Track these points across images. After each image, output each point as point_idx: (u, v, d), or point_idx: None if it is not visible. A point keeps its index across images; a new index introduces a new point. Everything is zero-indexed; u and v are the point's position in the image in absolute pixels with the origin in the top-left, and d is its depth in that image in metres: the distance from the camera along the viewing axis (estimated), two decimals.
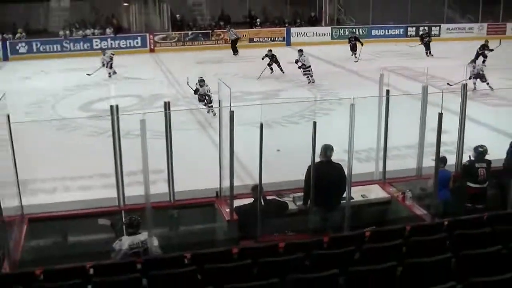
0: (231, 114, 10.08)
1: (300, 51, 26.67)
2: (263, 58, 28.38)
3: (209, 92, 20.26)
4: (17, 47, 37.35)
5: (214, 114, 19.15)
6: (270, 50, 28.60)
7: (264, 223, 10.31)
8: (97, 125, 19.00)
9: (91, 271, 8.03)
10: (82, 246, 11.40)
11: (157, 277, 7.32)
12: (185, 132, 16.38)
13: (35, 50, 37.56)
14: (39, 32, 39.88)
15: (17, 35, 37.83)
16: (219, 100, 11.75)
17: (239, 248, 8.58)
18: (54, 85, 27.64)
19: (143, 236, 9.35)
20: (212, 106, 19.95)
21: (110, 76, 29.28)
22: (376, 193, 12.14)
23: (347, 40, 34.62)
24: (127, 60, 34.06)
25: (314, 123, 10.01)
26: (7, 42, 37.35)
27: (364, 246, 8.02)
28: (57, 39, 38.37)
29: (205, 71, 26.70)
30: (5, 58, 36.76)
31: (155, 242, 9.31)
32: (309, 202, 10.63)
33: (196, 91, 20.69)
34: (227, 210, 10.85)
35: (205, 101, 20.42)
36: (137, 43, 39.13)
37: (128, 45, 38.93)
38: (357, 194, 11.41)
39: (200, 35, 39.68)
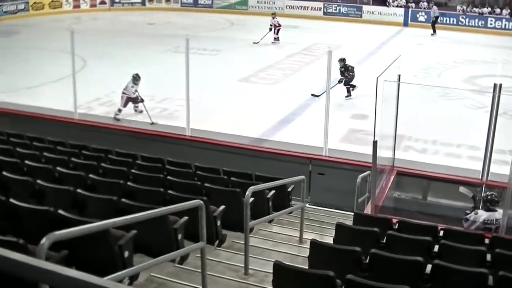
0: None
1: None
2: None
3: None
4: (417, 15, 37.71)
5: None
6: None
7: None
8: (477, 99, 18.48)
9: (441, 232, 7.89)
10: (437, 208, 11.31)
11: (501, 256, 6.94)
12: None
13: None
14: (440, 4, 39.69)
15: (420, 4, 38.15)
16: None
17: None
18: (444, 54, 27.41)
19: (498, 214, 8.96)
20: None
21: (273, 42, 28.23)
22: None
23: None
24: None
25: None
26: (409, 10, 37.86)
27: None
28: (455, 13, 37.89)
29: None
30: (405, 24, 37.35)
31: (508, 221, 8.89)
32: None
33: None
34: None
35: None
36: None
37: None
38: None
39: None
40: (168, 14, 39.03)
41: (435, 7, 35.91)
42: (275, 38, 28.51)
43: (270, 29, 28.52)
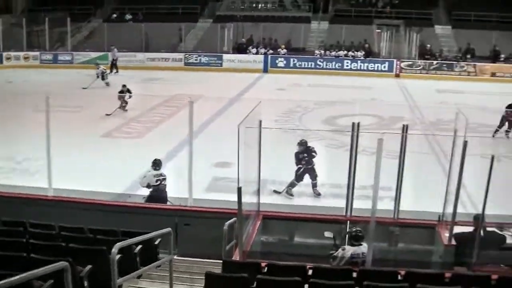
0: (465, 144, 9.67)
1: None
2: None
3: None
4: (277, 61, 38.83)
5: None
6: (124, 85, 24.76)
7: (480, 253, 9.78)
8: (337, 138, 19.12)
9: (310, 271, 8.05)
10: (305, 248, 11.51)
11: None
12: (418, 155, 15.92)
13: (291, 66, 38.77)
14: (297, 49, 41.12)
15: (278, 50, 39.41)
16: (455, 129, 11.25)
17: (452, 274, 8.19)
18: (304, 98, 28.24)
19: (364, 247, 9.27)
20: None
21: (108, 85, 31.20)
22: None
23: None
24: (373, 83, 34.37)
25: None
26: (269, 56, 38.94)
27: None
28: (312, 57, 39.42)
29: (444, 100, 26.31)
30: (265, 70, 38.35)
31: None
32: None
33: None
34: (447, 235, 10.41)
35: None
36: (384, 67, 39.10)
37: (376, 68, 39.05)
38: None
39: (444, 65, 38.74)
40: (27, 72, 37.97)
41: (115, 50, 38.20)
42: (106, 83, 31.40)
43: (98, 77, 31.16)
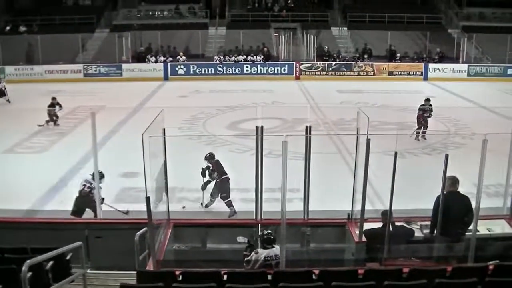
0: (368, 142, 9.89)
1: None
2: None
3: None
4: (176, 69, 38.78)
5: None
6: (54, 98, 24.69)
7: (390, 247, 10.06)
8: (242, 142, 19.22)
9: (225, 277, 8.07)
10: (218, 253, 11.53)
11: None
12: (323, 155, 16.18)
13: (191, 72, 38.82)
14: (197, 56, 41.23)
15: (177, 58, 39.42)
16: (357, 128, 11.52)
17: (365, 270, 8.39)
18: (206, 104, 28.29)
19: (277, 250, 9.35)
20: None
21: (9, 101, 30.04)
22: (502, 228, 11.49)
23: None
24: (274, 86, 34.73)
25: (446, 156, 9.66)
26: (168, 64, 38.87)
27: (486, 279, 7.65)
28: (212, 63, 39.54)
29: (345, 100, 26.86)
30: (166, 78, 38.23)
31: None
32: (435, 231, 10.26)
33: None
34: (357, 232, 10.61)
35: None
36: (284, 70, 39.62)
37: (276, 72, 39.54)
38: (483, 227, 10.82)
39: (343, 66, 39.64)
40: None
41: None
42: (7, 99, 30.04)
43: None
